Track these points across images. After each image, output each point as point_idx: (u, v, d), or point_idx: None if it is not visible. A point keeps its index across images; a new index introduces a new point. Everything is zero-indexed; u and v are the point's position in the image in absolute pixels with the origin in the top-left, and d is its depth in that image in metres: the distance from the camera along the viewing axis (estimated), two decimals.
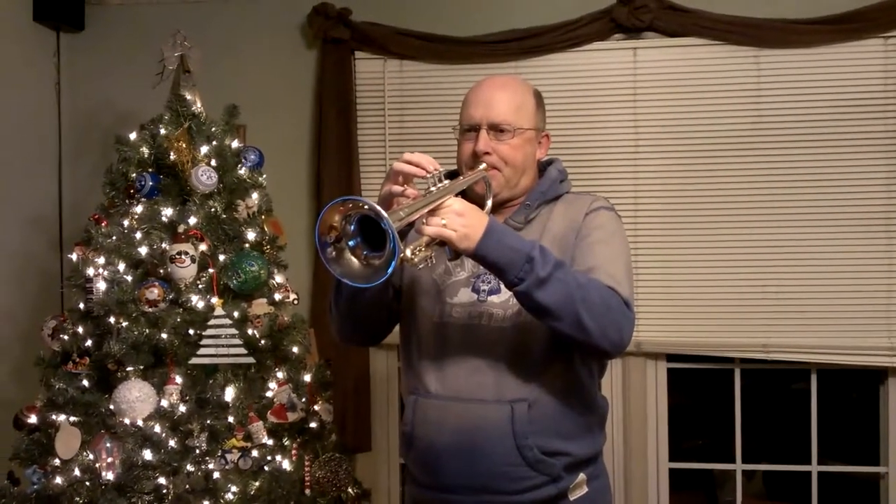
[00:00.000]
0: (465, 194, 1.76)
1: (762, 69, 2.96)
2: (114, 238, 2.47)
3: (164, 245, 2.44)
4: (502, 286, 1.68)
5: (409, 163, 1.62)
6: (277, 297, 2.60)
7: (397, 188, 1.62)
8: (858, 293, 2.90)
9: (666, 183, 3.01)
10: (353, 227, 1.46)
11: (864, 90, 2.90)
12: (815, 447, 3.05)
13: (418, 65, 3.14)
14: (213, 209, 2.51)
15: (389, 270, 1.41)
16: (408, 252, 1.51)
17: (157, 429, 2.31)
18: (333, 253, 1.47)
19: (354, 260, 1.47)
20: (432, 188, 1.59)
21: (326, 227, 1.45)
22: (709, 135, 2.98)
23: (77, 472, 2.32)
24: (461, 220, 1.56)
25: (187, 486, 2.31)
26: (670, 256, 3.01)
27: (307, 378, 2.61)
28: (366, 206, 1.42)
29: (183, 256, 2.40)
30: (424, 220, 1.55)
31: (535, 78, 2.88)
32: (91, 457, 2.32)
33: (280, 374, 2.54)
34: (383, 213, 1.38)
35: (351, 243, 1.47)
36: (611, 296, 1.63)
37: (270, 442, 2.46)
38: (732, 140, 2.97)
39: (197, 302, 2.41)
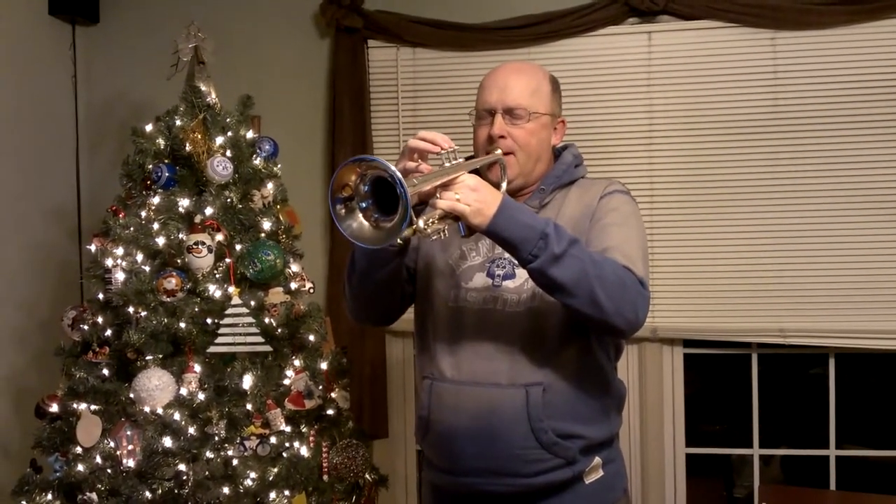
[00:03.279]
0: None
1: (779, 51, 2.93)
2: (131, 229, 2.49)
3: (181, 235, 2.46)
4: (517, 271, 1.69)
5: (424, 140, 1.63)
6: (293, 285, 2.61)
7: (412, 164, 1.62)
8: (876, 276, 2.87)
9: (681, 167, 2.99)
10: (366, 188, 1.46)
11: (883, 71, 2.86)
12: (833, 432, 3.03)
13: (431, 52, 3.13)
14: (228, 199, 2.52)
15: (402, 230, 1.40)
16: (420, 223, 1.51)
17: (177, 416, 2.34)
18: (343, 211, 1.47)
19: (365, 221, 1.47)
20: (447, 164, 1.59)
21: (340, 185, 1.46)
22: (724, 118, 2.96)
23: (98, 459, 2.35)
24: (475, 195, 1.56)
25: (207, 473, 2.33)
26: (686, 241, 3.00)
27: (324, 366, 2.62)
28: (381, 166, 1.42)
29: (200, 246, 2.42)
30: (438, 195, 1.56)
31: (549, 64, 2.85)
32: (112, 444, 2.35)
33: (297, 362, 2.56)
34: (397, 173, 1.38)
35: (363, 205, 1.47)
36: (626, 274, 1.63)
37: (288, 429, 2.48)
38: (748, 124, 2.94)
39: (214, 291, 2.43)
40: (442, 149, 1.61)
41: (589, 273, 1.57)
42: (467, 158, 1.77)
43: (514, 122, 1.77)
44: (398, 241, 1.44)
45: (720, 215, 2.97)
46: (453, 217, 1.57)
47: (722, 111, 2.96)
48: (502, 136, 1.76)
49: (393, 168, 1.39)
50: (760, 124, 2.94)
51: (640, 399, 3.04)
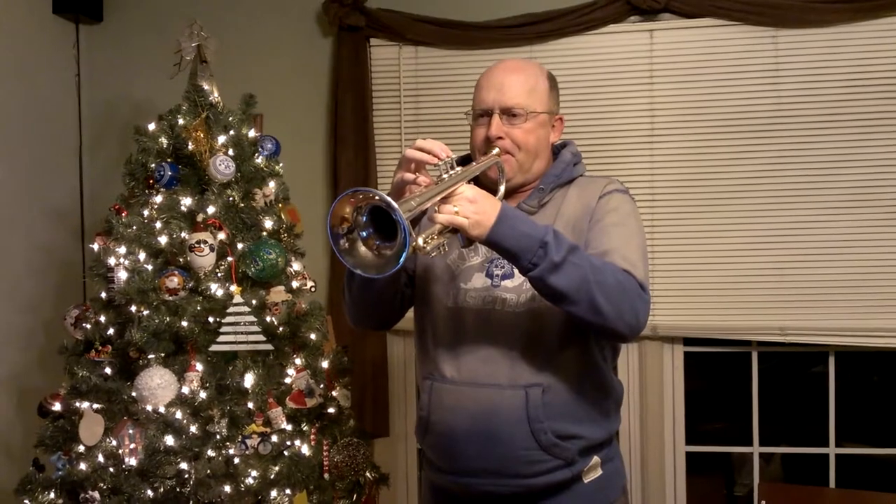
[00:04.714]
0: (479, 180, 1.77)
1: (780, 49, 2.93)
2: (134, 228, 2.50)
3: (183, 234, 2.46)
4: (516, 270, 1.69)
5: (422, 150, 1.63)
6: (295, 284, 2.62)
7: (410, 176, 1.63)
8: (876, 274, 2.87)
9: (682, 166, 2.99)
10: (364, 218, 1.46)
11: (885, 69, 2.85)
12: (832, 430, 3.04)
13: (433, 51, 3.14)
14: (230, 198, 2.53)
15: (401, 261, 1.41)
16: (420, 241, 1.51)
17: (179, 415, 2.35)
18: (346, 244, 1.48)
19: (367, 251, 1.48)
20: (444, 175, 1.59)
21: (338, 218, 1.46)
22: (726, 116, 2.96)
23: (101, 458, 2.36)
24: (473, 207, 1.56)
25: (208, 471, 2.34)
26: (687, 240, 3.00)
27: (325, 364, 2.63)
28: (377, 198, 1.42)
29: (202, 245, 2.43)
30: (437, 208, 1.56)
31: (551, 62, 2.85)
32: (114, 443, 2.37)
33: (298, 361, 2.57)
34: (394, 203, 1.38)
35: (363, 234, 1.48)
36: (626, 278, 1.63)
37: (289, 427, 2.49)
38: (749, 122, 2.94)
39: (216, 290, 2.44)
40: (439, 159, 1.61)
41: (589, 280, 1.57)
42: (463, 160, 1.77)
43: (512, 122, 1.77)
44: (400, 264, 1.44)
45: (721, 213, 2.97)
46: (452, 230, 1.57)
47: (723, 109, 2.96)
48: (500, 138, 1.76)
49: (388, 198, 1.39)
50: (762, 122, 2.94)
51: (640, 397, 3.05)
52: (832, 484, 3.04)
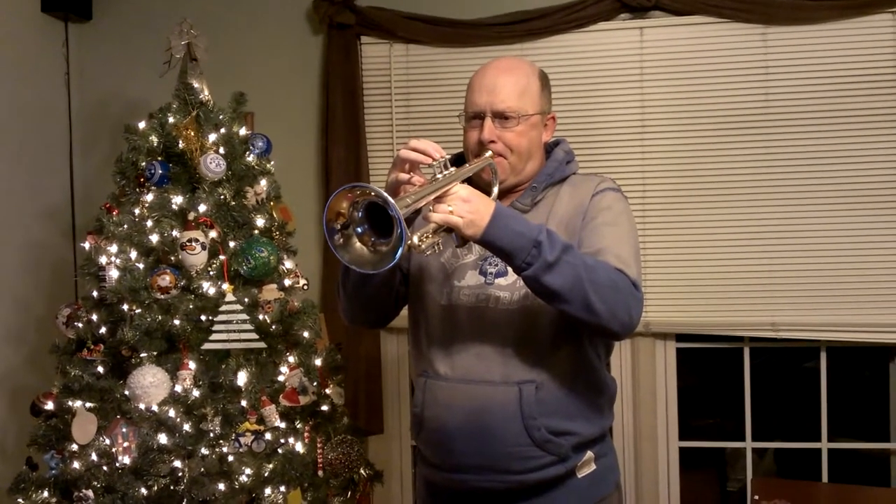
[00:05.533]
0: (472, 181, 1.77)
1: (770, 47, 2.94)
2: (125, 226, 2.49)
3: (174, 233, 2.46)
4: (509, 268, 1.69)
5: (416, 150, 1.63)
6: (287, 282, 2.62)
7: (404, 176, 1.64)
8: (867, 270, 2.89)
9: (673, 163, 3.00)
10: (360, 214, 1.48)
11: (874, 66, 2.87)
12: (825, 425, 3.05)
13: (424, 49, 3.14)
14: (222, 196, 2.52)
15: (396, 257, 1.42)
16: (415, 239, 1.52)
17: (172, 413, 2.34)
18: (341, 239, 1.49)
19: (362, 246, 1.49)
20: (439, 175, 1.60)
21: (334, 213, 1.47)
22: (716, 113, 2.97)
23: (94, 456, 2.36)
24: (467, 207, 1.57)
25: (202, 469, 2.34)
26: (678, 236, 3.01)
27: (318, 362, 2.63)
28: (373, 193, 1.43)
29: (193, 244, 2.42)
30: (431, 208, 1.57)
31: (541, 59, 2.85)
32: (107, 441, 2.36)
33: (291, 359, 2.57)
34: (390, 199, 1.39)
35: (359, 230, 1.49)
36: (619, 277, 1.64)
37: (283, 425, 2.49)
38: (740, 119, 2.95)
39: (208, 288, 2.44)
40: (433, 159, 1.62)
41: (582, 279, 1.58)
42: (456, 159, 1.77)
43: (504, 125, 1.77)
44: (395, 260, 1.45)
45: (712, 210, 2.98)
46: (447, 229, 1.58)
47: (713, 106, 2.97)
48: (492, 141, 1.77)
49: (385, 194, 1.40)
50: (752, 119, 2.95)
51: (633, 393, 3.05)
52: (825, 479, 3.05)
